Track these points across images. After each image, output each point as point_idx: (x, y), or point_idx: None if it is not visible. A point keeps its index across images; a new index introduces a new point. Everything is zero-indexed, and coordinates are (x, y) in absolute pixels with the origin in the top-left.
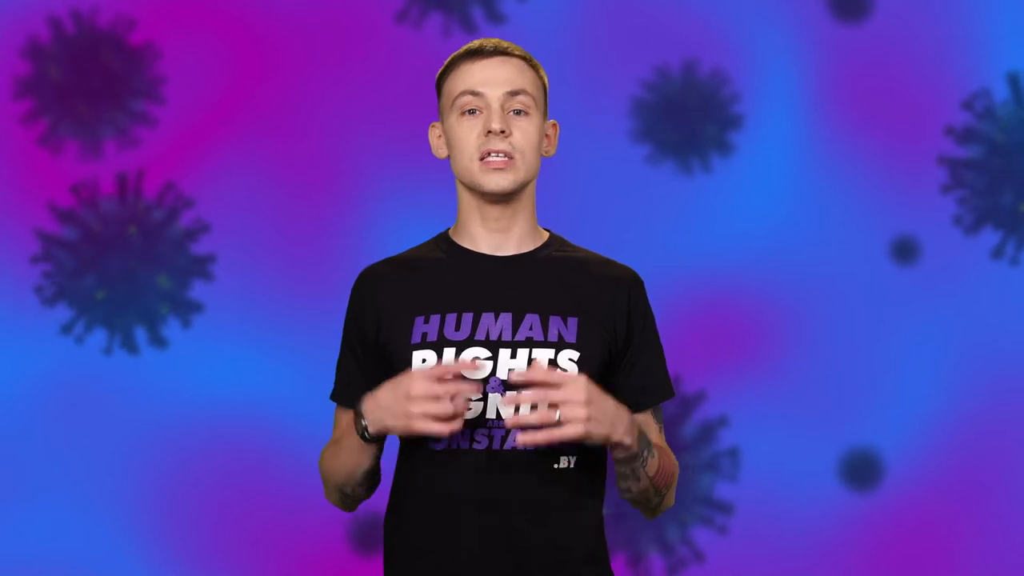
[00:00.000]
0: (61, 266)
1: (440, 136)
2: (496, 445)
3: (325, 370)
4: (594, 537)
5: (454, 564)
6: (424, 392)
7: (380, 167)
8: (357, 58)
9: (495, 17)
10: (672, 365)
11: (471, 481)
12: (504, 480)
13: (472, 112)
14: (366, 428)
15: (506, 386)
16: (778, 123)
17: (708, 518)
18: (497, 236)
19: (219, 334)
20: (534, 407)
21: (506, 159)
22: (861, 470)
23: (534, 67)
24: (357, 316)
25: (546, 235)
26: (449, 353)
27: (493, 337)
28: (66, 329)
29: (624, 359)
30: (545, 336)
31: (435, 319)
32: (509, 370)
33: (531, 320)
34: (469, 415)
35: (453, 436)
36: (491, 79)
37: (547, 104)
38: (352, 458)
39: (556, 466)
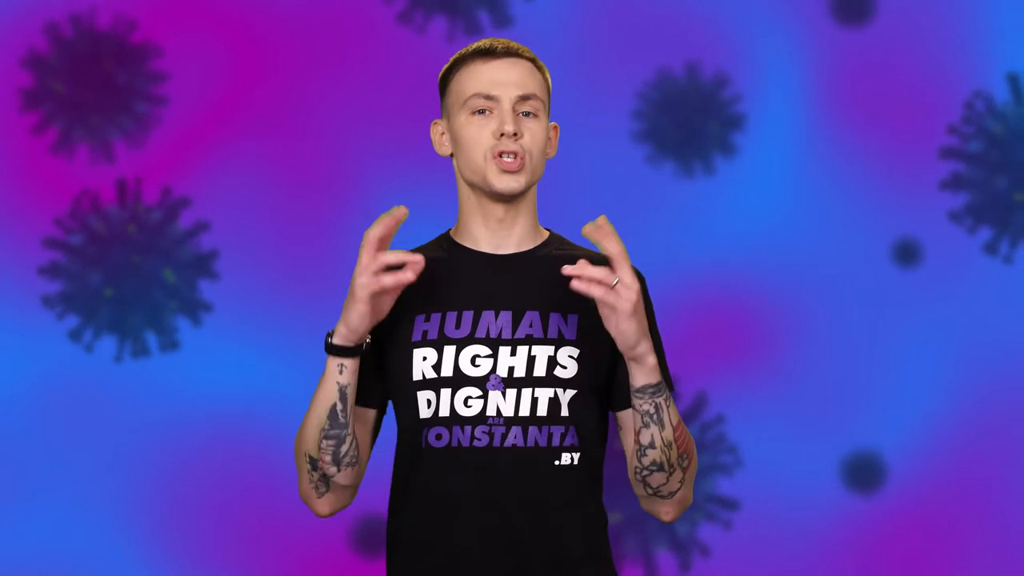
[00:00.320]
0: (68, 269)
1: (443, 133)
2: (497, 443)
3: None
4: (596, 535)
5: (455, 563)
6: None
7: (380, 167)
8: (357, 58)
9: (500, 20)
10: (673, 366)
11: (471, 479)
12: (505, 478)
13: (482, 112)
14: (330, 336)
15: (506, 383)
16: (780, 124)
17: (712, 513)
18: (499, 235)
19: (220, 334)
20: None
21: (519, 161)
22: (863, 472)
23: (541, 69)
24: None
25: (546, 234)
26: (450, 351)
27: (493, 335)
28: (75, 335)
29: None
30: (545, 333)
31: (436, 317)
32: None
33: (531, 317)
34: (470, 412)
35: (453, 434)
36: (503, 81)
37: (551, 106)
38: (317, 403)
39: (557, 463)
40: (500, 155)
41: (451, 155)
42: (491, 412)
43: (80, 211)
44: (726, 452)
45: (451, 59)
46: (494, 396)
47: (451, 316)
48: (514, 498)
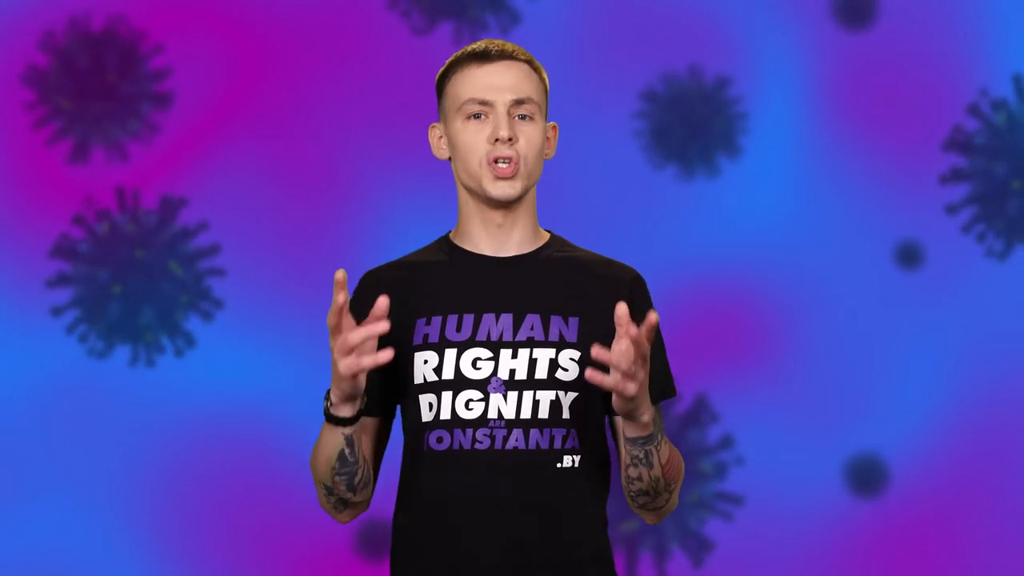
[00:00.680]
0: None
1: (441, 137)
2: (498, 445)
3: (327, 371)
4: (598, 537)
5: (457, 565)
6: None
7: (381, 169)
8: (358, 59)
9: (501, 25)
10: (674, 368)
11: (473, 482)
12: (507, 481)
13: (478, 117)
14: (328, 401)
15: (507, 386)
16: (782, 128)
17: (716, 508)
18: (499, 238)
19: (221, 334)
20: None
21: (513, 167)
22: (866, 476)
23: (537, 70)
24: (358, 319)
25: (547, 236)
26: (451, 354)
27: (494, 337)
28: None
29: None
30: (546, 336)
31: (436, 320)
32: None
33: (532, 320)
34: (471, 415)
35: (455, 437)
36: (498, 85)
37: (548, 106)
38: (325, 445)
39: (559, 466)
40: (495, 161)
41: (449, 159)
42: (492, 415)
43: (83, 216)
44: (729, 454)
45: (447, 62)
46: (495, 399)
47: (452, 319)
48: (515, 501)
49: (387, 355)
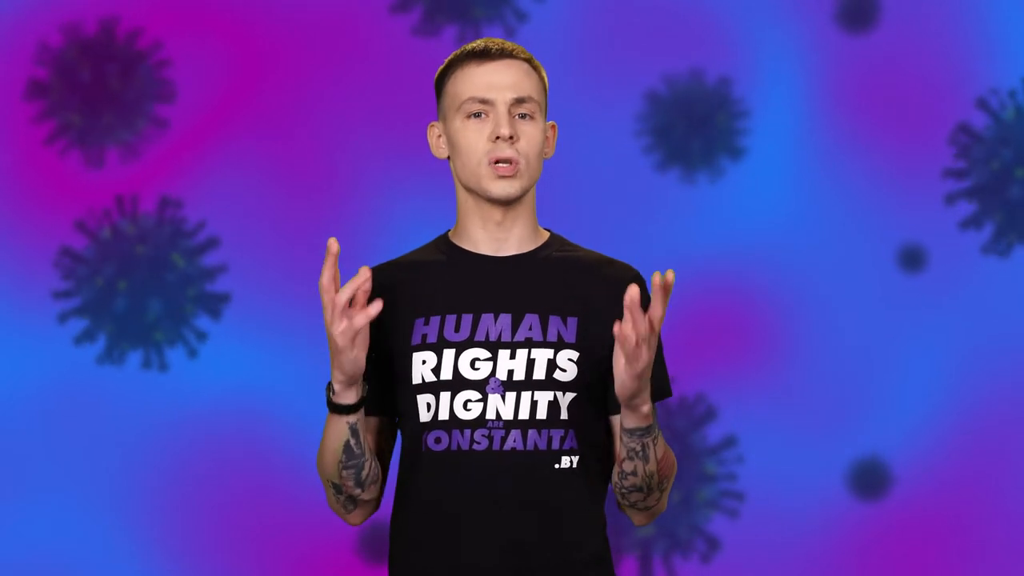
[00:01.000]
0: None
1: (440, 136)
2: (496, 446)
3: (327, 370)
4: (597, 538)
5: (456, 567)
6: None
7: (381, 169)
8: (358, 59)
9: (506, 26)
10: (674, 370)
11: (472, 483)
12: (505, 481)
13: (478, 115)
14: (330, 391)
15: (505, 387)
16: (785, 129)
17: (721, 505)
18: (498, 237)
19: (222, 335)
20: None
21: (514, 166)
22: (868, 477)
23: (536, 69)
24: None
25: (546, 235)
26: (449, 354)
27: (493, 338)
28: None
29: None
30: (544, 336)
31: (435, 320)
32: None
33: (530, 320)
34: (469, 416)
35: (453, 438)
36: (498, 84)
37: (547, 105)
38: (330, 438)
39: (557, 466)
40: (495, 161)
41: (448, 158)
42: (491, 415)
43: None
44: (729, 455)
45: (446, 61)
46: (494, 399)
47: (450, 319)
48: (514, 501)
49: (377, 307)
